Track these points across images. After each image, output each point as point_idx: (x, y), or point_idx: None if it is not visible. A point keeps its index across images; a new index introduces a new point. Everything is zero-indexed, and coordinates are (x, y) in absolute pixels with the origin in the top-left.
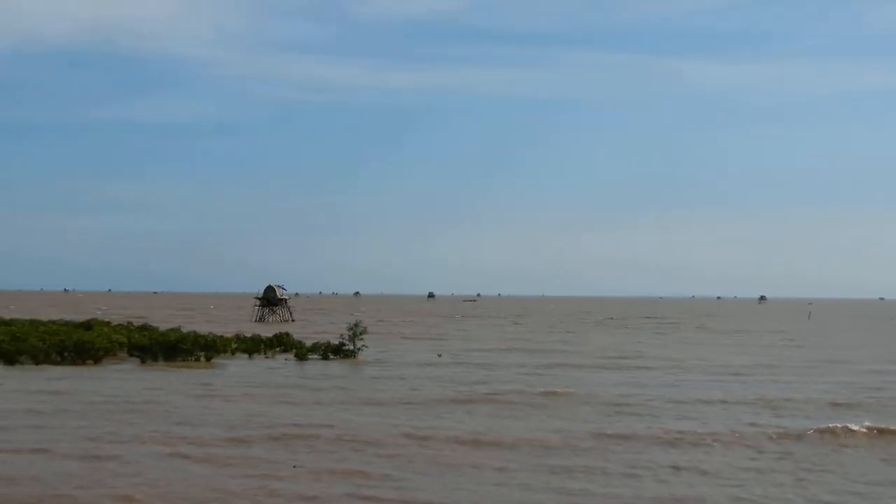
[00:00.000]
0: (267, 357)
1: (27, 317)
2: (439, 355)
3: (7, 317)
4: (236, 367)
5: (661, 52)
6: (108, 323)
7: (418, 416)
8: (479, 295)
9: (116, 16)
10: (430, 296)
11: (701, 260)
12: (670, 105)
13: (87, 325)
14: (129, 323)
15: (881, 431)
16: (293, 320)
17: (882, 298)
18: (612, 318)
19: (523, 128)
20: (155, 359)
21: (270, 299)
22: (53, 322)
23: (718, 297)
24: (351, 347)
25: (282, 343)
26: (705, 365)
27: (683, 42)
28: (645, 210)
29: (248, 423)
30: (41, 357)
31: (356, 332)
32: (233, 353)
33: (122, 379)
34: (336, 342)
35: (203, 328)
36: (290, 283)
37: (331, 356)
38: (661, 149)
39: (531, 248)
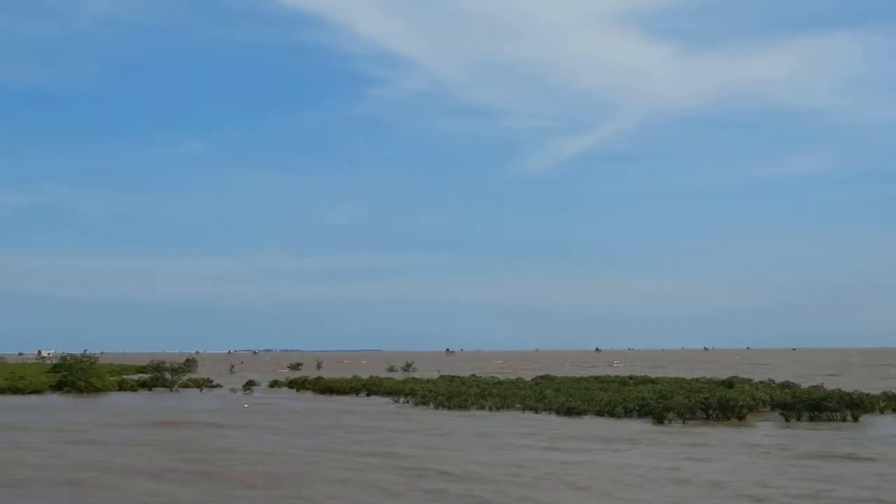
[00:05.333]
0: None
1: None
2: None
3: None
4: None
5: None
6: (750, 380)
7: None
8: None
9: (741, 78)
10: None
11: None
12: None
13: (729, 384)
14: (769, 380)
15: None
16: None
17: None
18: None
19: None
20: (798, 416)
21: None
22: (696, 380)
23: None
24: None
25: None
26: None
27: None
28: None
29: None
30: (687, 414)
31: None
32: (881, 410)
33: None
34: None
35: (846, 385)
36: None
37: None
38: None
39: None
